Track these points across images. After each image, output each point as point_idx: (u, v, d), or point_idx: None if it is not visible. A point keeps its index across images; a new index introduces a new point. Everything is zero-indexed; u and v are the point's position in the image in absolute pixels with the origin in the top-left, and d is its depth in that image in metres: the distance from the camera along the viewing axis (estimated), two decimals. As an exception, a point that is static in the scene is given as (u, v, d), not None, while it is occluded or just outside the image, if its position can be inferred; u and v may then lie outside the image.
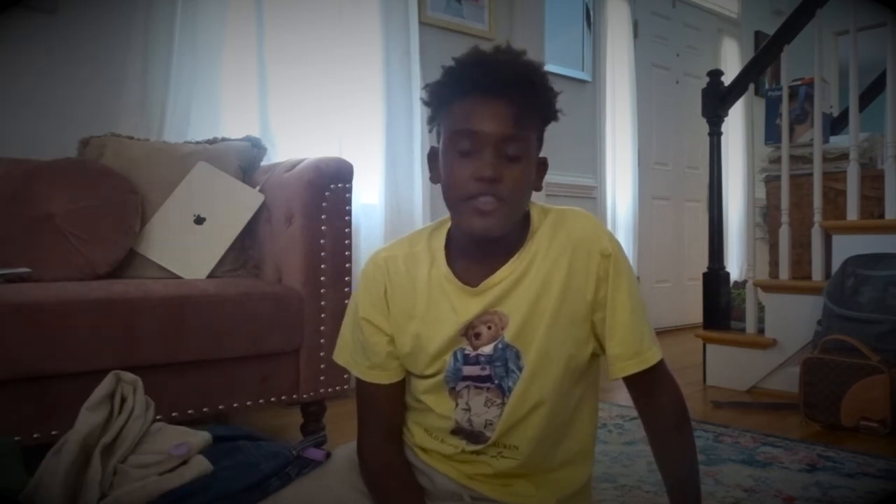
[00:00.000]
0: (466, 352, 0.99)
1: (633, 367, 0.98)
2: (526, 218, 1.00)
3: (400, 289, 1.02)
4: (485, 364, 0.99)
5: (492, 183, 0.89)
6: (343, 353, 1.08)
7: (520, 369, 0.98)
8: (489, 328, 0.98)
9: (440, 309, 0.99)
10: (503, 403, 0.99)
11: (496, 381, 0.99)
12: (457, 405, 1.01)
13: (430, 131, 1.01)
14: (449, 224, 1.03)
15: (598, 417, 2.11)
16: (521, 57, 0.94)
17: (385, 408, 1.06)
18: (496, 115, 0.90)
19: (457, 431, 1.02)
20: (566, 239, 0.98)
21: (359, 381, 1.06)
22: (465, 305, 0.98)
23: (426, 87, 0.98)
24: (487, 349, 0.98)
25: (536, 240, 0.99)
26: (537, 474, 1.04)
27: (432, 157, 1.00)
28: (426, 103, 0.98)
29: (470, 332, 0.99)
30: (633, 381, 1.02)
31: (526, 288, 0.97)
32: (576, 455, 1.06)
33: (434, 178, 1.00)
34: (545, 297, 0.97)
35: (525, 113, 0.92)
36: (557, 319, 0.97)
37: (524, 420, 0.99)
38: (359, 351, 1.05)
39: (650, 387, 1.02)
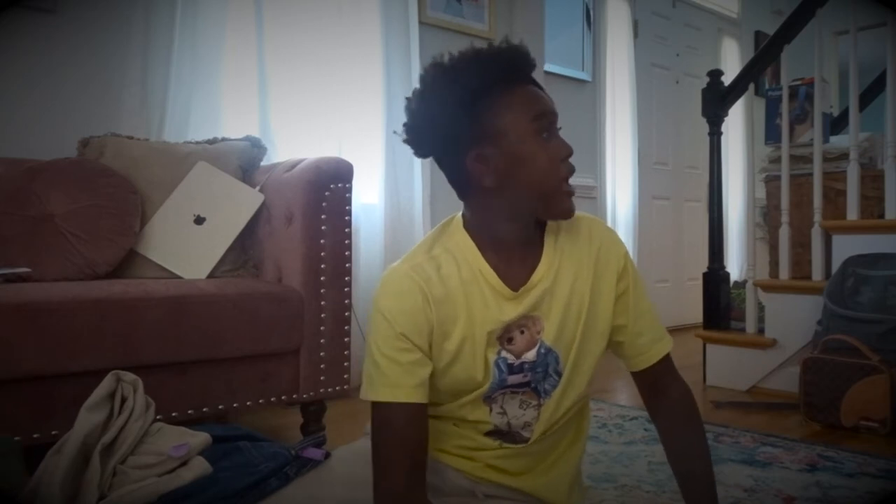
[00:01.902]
0: (510, 361, 0.98)
1: (666, 348, 1.06)
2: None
3: (438, 293, 0.95)
4: (528, 371, 0.99)
5: (570, 158, 0.95)
6: (378, 387, 0.93)
7: (557, 374, 1.00)
8: (522, 332, 0.98)
9: (478, 308, 0.96)
10: (539, 405, 1.01)
11: (533, 385, 1.00)
12: (491, 410, 1.01)
13: (457, 137, 0.92)
14: (455, 226, 1.00)
15: (599, 417, 2.12)
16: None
17: (422, 436, 0.93)
18: (547, 97, 0.96)
19: (492, 433, 1.02)
20: (588, 244, 1.02)
21: (388, 411, 0.92)
22: (503, 309, 0.97)
23: (436, 93, 0.91)
24: (530, 355, 0.98)
25: (559, 243, 1.01)
26: (540, 457, 1.06)
27: (477, 163, 0.92)
28: (436, 115, 0.91)
29: (504, 335, 0.98)
30: (649, 374, 1.07)
31: (558, 291, 0.99)
32: (577, 434, 1.10)
33: (486, 183, 0.92)
34: (577, 300, 1.00)
35: None
36: (589, 322, 1.01)
37: (560, 419, 1.03)
38: (396, 373, 0.93)
39: (667, 377, 1.08)
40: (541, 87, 0.97)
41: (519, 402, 1.00)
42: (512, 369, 0.98)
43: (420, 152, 0.98)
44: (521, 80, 0.94)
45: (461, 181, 0.96)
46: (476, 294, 0.96)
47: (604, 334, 1.03)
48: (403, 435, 0.92)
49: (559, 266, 0.99)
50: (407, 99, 0.96)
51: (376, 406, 0.94)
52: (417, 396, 0.93)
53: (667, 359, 1.08)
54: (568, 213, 0.96)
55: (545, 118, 0.93)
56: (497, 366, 0.98)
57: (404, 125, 0.96)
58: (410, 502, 0.91)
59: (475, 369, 0.97)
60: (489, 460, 1.04)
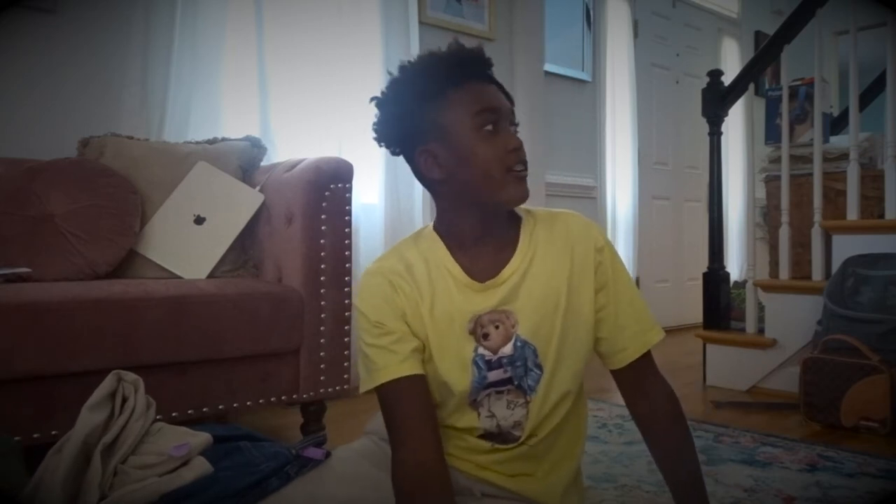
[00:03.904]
0: (487, 357, 0.99)
1: (652, 339, 1.03)
2: (511, 211, 1.04)
3: (405, 290, 1.00)
4: (507, 366, 0.99)
5: (520, 150, 0.97)
6: (370, 375, 0.99)
7: (538, 367, 1.00)
8: (497, 327, 0.99)
9: (444, 302, 0.99)
10: (527, 402, 1.01)
11: (516, 382, 1.00)
12: (479, 415, 1.01)
13: (409, 133, 0.99)
14: (427, 230, 1.05)
15: (599, 417, 2.12)
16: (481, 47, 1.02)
17: (422, 407, 0.96)
18: (497, 92, 0.99)
19: (484, 436, 1.03)
20: (565, 238, 1.02)
21: (387, 390, 0.97)
22: (471, 300, 0.99)
23: (393, 89, 0.99)
24: (507, 349, 0.99)
25: (534, 238, 1.02)
26: (539, 460, 1.05)
27: (423, 158, 0.98)
28: (393, 110, 0.98)
29: (479, 330, 0.99)
30: (630, 373, 1.05)
31: (531, 285, 1.00)
32: (575, 437, 1.09)
33: (433, 176, 0.98)
34: (553, 294, 1.00)
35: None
36: (569, 315, 1.00)
37: (549, 414, 1.02)
38: (382, 356, 0.98)
39: (649, 377, 1.06)
40: (498, 85, 1.00)
41: (506, 403, 1.01)
42: (490, 365, 0.99)
43: (389, 150, 1.04)
44: (470, 78, 0.97)
45: (417, 175, 1.03)
46: (443, 289, 1.00)
47: (588, 327, 1.02)
48: (401, 408, 0.96)
49: (532, 261, 1.00)
50: (372, 98, 1.02)
51: (377, 392, 0.98)
52: (406, 369, 0.97)
53: (648, 356, 1.04)
54: (518, 197, 0.98)
55: (488, 113, 0.96)
56: (475, 363, 0.99)
57: (373, 124, 1.03)
58: (421, 466, 0.94)
59: (447, 363, 0.99)
60: (484, 463, 1.04)
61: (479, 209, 0.99)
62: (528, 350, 0.99)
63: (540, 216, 1.05)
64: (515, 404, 1.01)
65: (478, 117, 0.95)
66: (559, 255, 1.01)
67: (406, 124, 0.98)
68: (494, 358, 0.99)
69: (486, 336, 0.99)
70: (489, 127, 0.95)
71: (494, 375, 0.99)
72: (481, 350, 0.99)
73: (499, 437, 1.02)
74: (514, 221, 1.04)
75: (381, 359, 0.98)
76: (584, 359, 1.04)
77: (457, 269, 1.00)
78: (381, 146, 1.04)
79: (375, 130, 1.02)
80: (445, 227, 1.03)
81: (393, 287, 1.00)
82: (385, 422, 0.99)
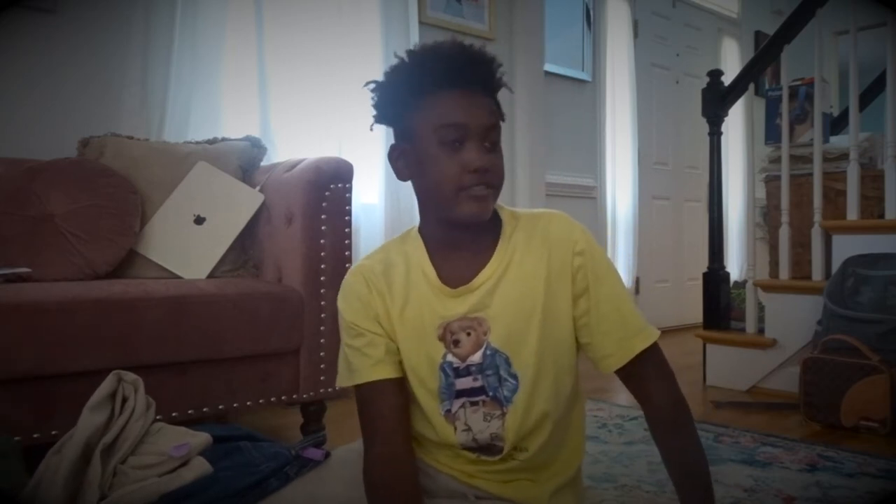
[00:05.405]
0: (455, 365, 0.98)
1: (640, 345, 0.97)
2: (494, 216, 1.00)
3: (380, 284, 1.01)
4: (476, 374, 0.98)
5: (484, 173, 0.92)
6: (343, 374, 1.03)
7: (513, 377, 0.97)
8: (468, 334, 0.97)
9: (418, 308, 0.99)
10: (503, 414, 0.98)
11: (490, 393, 0.98)
12: (456, 429, 1.00)
13: (391, 129, 0.99)
14: (413, 230, 1.04)
15: (599, 417, 2.11)
16: (483, 49, 0.96)
17: (394, 408, 0.98)
18: (478, 106, 0.94)
19: (467, 448, 1.01)
20: (543, 241, 0.99)
21: (361, 391, 1.00)
22: (444, 305, 0.98)
23: (380, 85, 0.97)
24: (476, 357, 0.97)
25: (512, 242, 0.99)
26: (539, 470, 1.04)
27: (396, 155, 0.98)
28: (380, 102, 0.98)
29: (449, 337, 0.98)
30: (626, 376, 1.01)
31: (506, 292, 0.97)
32: (573, 447, 1.07)
33: (403, 176, 0.99)
34: (529, 301, 0.97)
35: (496, 102, 0.97)
36: (546, 322, 0.97)
37: (535, 429, 0.99)
38: (357, 358, 1.00)
39: (647, 381, 1.01)
40: (490, 95, 0.95)
41: (482, 415, 0.98)
42: (458, 372, 0.98)
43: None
44: (452, 85, 0.92)
45: None
46: (417, 291, 1.00)
47: (567, 334, 0.99)
48: (374, 409, 0.99)
49: (508, 267, 0.98)
50: (368, 83, 1.00)
51: (355, 390, 1.02)
52: (377, 374, 0.99)
53: (644, 359, 0.98)
54: (469, 216, 0.93)
55: (451, 129, 0.91)
56: (443, 370, 0.98)
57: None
58: (389, 463, 0.96)
59: (417, 366, 0.99)
60: (473, 472, 1.03)
61: (440, 214, 0.98)
62: (499, 358, 0.97)
63: (523, 219, 1.01)
64: (492, 416, 0.98)
65: (439, 131, 0.91)
66: (536, 260, 0.98)
67: (387, 118, 0.99)
68: (462, 366, 0.97)
69: (456, 343, 0.97)
70: (454, 143, 0.91)
71: (463, 383, 0.98)
72: (450, 357, 0.98)
73: (480, 449, 1.01)
74: (496, 226, 1.00)
75: (355, 360, 1.01)
76: (568, 370, 1.00)
77: (432, 273, 0.99)
78: (371, 130, 1.05)
79: (373, 107, 1.01)
80: (425, 227, 1.03)
81: (368, 287, 1.01)
82: (359, 419, 1.01)
